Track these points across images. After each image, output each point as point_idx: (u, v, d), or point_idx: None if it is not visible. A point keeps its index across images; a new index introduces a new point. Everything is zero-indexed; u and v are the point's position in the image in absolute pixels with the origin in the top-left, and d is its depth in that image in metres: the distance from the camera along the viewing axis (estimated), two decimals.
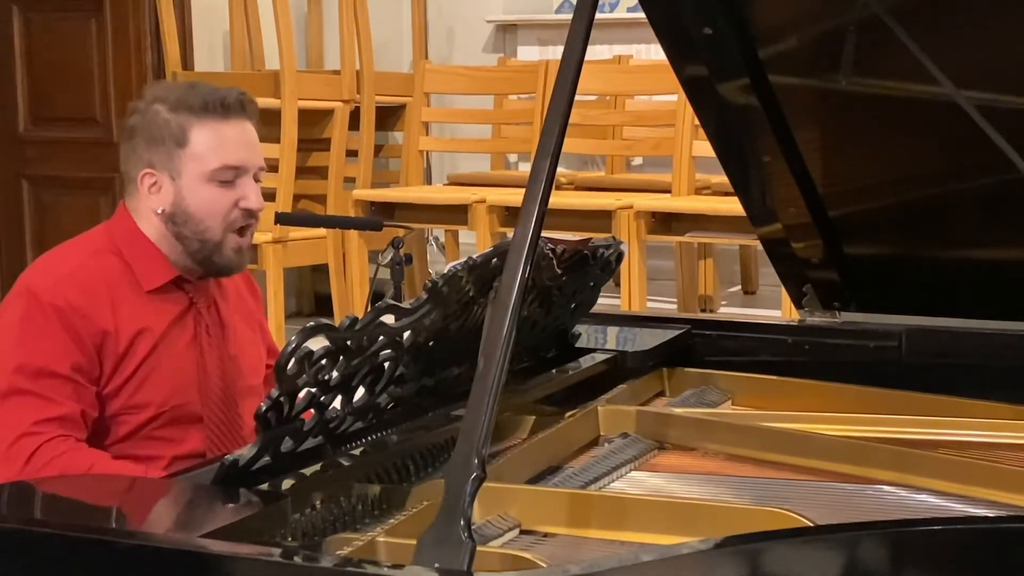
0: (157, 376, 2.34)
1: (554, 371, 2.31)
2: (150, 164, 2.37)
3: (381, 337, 1.79)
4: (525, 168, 5.90)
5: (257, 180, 2.41)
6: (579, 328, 2.46)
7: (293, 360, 1.67)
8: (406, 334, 1.83)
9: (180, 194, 2.36)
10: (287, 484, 1.69)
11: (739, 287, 5.99)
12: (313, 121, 5.75)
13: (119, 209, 2.43)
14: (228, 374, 2.43)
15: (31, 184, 6.23)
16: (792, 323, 2.61)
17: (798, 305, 2.57)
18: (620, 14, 6.55)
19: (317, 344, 1.69)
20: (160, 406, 2.34)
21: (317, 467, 1.76)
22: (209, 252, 2.38)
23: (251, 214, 2.38)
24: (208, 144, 2.34)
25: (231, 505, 1.64)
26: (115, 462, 2.27)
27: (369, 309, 1.81)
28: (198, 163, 2.34)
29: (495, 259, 1.90)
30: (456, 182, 5.96)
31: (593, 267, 2.34)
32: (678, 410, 2.27)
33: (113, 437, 2.33)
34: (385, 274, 3.36)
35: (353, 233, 5.30)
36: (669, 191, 5.21)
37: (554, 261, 2.17)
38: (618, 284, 4.94)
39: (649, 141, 5.65)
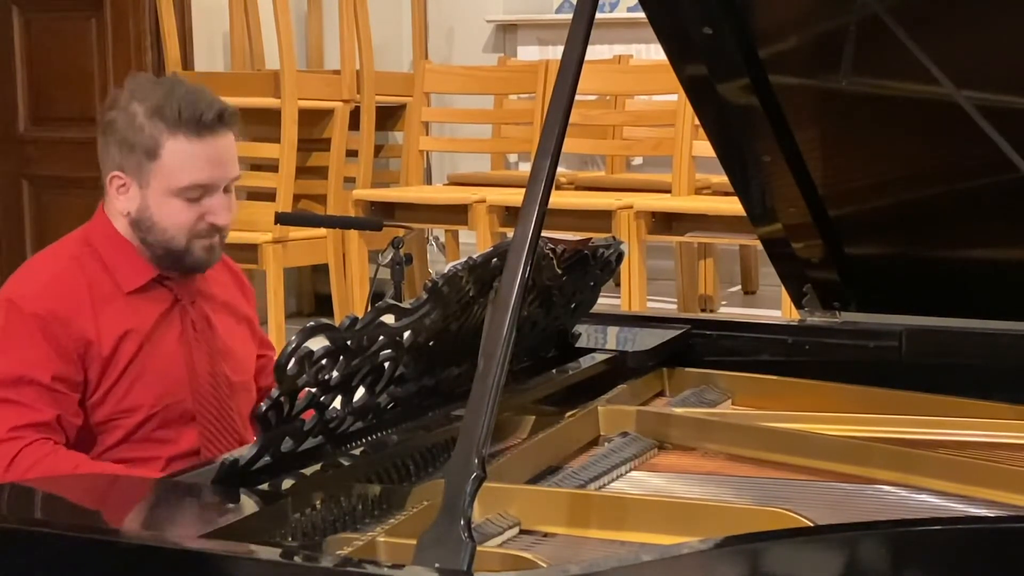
0: (146, 377, 2.34)
1: (554, 371, 2.31)
2: (120, 167, 2.36)
3: (381, 337, 1.79)
4: (525, 168, 5.90)
5: (229, 190, 2.38)
6: (579, 328, 2.46)
7: (293, 360, 1.67)
8: (406, 334, 1.83)
9: (146, 203, 2.35)
10: (287, 484, 1.69)
11: (739, 287, 5.99)
12: (313, 121, 5.75)
13: (97, 211, 2.43)
14: (218, 370, 2.43)
15: (31, 184, 6.23)
16: (792, 323, 2.61)
17: (798, 305, 2.57)
18: (620, 14, 6.55)
19: (317, 344, 1.69)
20: (151, 407, 2.34)
21: (317, 467, 1.76)
22: (177, 256, 2.37)
23: (216, 228, 2.37)
24: (178, 162, 2.32)
25: (231, 505, 1.64)
26: (98, 464, 2.27)
27: (369, 309, 1.81)
28: (166, 179, 2.33)
29: (495, 259, 1.90)
30: (456, 182, 5.96)
31: (593, 267, 2.34)
32: (678, 410, 2.27)
33: (107, 443, 2.33)
34: (385, 274, 3.36)
35: (353, 233, 5.30)
36: (669, 191, 5.21)
37: (554, 261, 2.17)
38: (618, 284, 4.93)
39: (649, 141, 5.65)
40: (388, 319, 1.80)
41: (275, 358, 2.60)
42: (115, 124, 2.36)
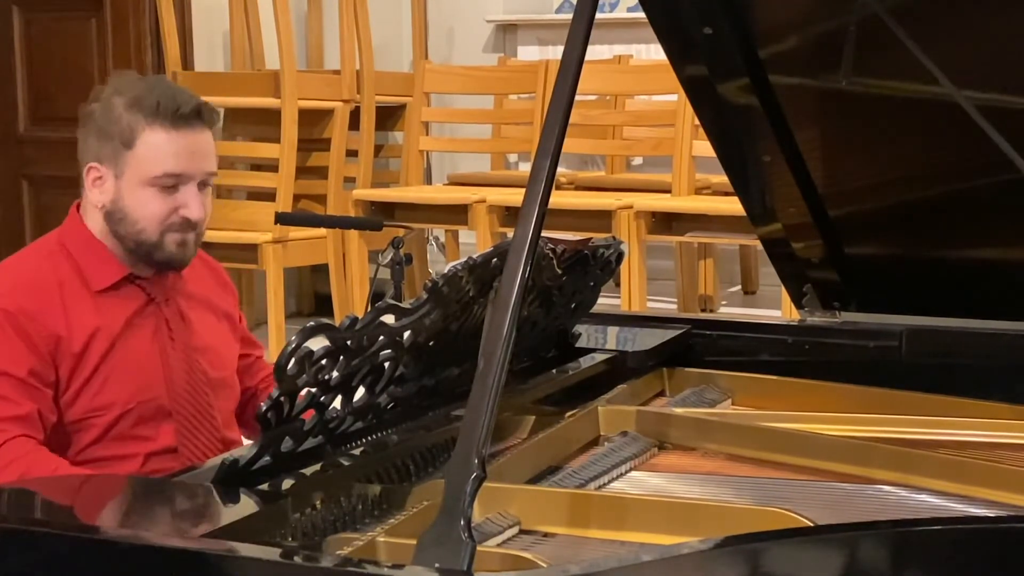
0: (119, 375, 2.34)
1: (554, 371, 2.31)
2: (97, 158, 2.39)
3: (381, 337, 1.79)
4: (525, 168, 5.91)
5: (206, 185, 2.39)
6: (579, 328, 2.46)
7: (293, 360, 1.67)
8: (406, 334, 1.83)
9: (120, 193, 2.37)
10: (287, 484, 1.69)
11: (739, 287, 5.99)
12: (313, 121, 5.75)
13: (70, 212, 2.45)
14: (195, 367, 2.42)
15: (31, 184, 6.23)
16: (792, 323, 2.61)
17: (798, 305, 2.57)
18: (620, 14, 6.55)
19: (317, 344, 1.69)
20: (125, 404, 2.34)
21: (317, 467, 1.76)
22: (148, 250, 2.38)
23: (190, 223, 2.37)
24: (153, 150, 2.34)
25: (231, 505, 1.64)
26: (76, 469, 2.26)
27: (369, 309, 1.81)
28: (140, 167, 2.34)
29: (495, 259, 1.90)
30: (456, 182, 5.96)
31: (593, 267, 2.34)
32: (678, 410, 2.27)
33: (83, 441, 2.33)
34: (385, 274, 3.36)
35: (353, 233, 5.30)
36: (669, 191, 5.21)
37: (554, 261, 2.17)
38: (618, 284, 4.94)
39: (649, 141, 5.65)
40: (388, 319, 1.80)
41: (261, 358, 2.65)
42: (93, 115, 2.39)
